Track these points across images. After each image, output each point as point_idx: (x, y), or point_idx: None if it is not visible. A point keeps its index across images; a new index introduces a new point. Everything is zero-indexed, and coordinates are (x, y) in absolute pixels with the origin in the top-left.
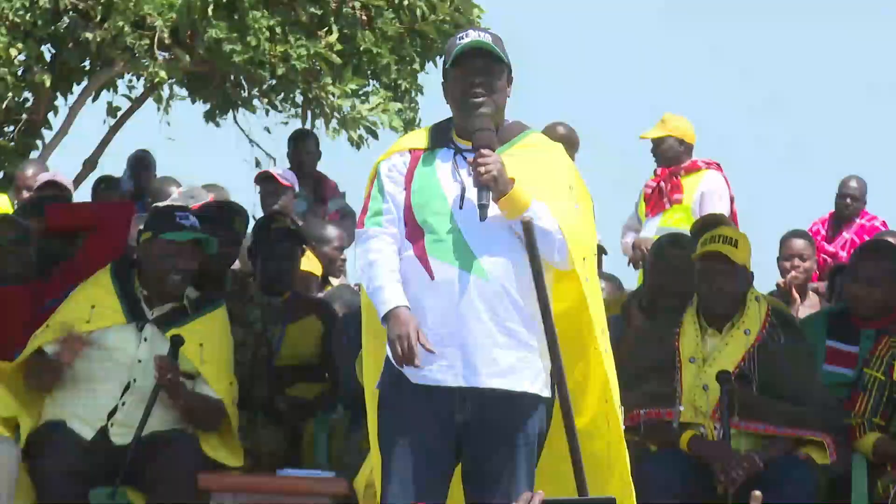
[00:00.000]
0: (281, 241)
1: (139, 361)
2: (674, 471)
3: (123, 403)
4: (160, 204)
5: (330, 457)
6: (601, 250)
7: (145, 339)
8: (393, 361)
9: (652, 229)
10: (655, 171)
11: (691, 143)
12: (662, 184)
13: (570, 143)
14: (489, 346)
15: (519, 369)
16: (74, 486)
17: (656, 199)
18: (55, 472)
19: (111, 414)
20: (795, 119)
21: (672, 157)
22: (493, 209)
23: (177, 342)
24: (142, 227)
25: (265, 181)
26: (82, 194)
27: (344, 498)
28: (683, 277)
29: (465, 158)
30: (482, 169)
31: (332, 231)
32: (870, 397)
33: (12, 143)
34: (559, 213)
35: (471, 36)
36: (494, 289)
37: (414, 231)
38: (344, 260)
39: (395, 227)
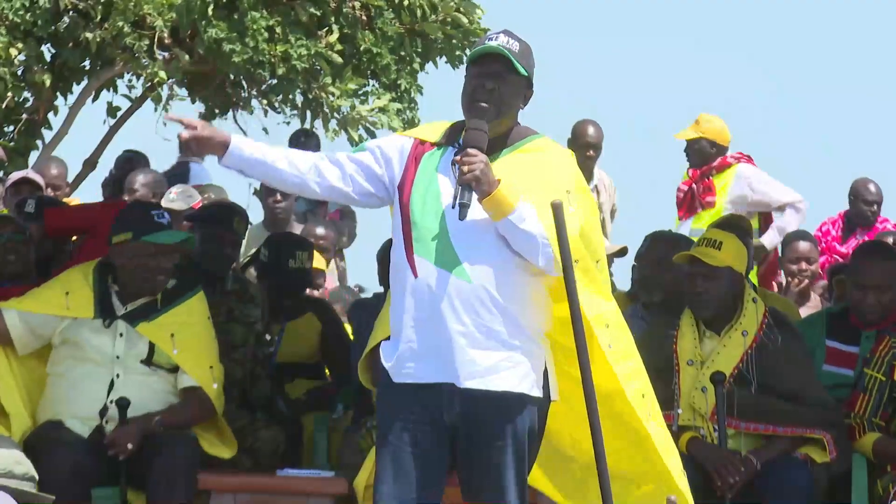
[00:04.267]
0: (296, 281)
1: (118, 358)
2: None
3: (112, 401)
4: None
5: (330, 457)
6: (623, 252)
7: (121, 335)
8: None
9: (685, 232)
10: (688, 171)
11: (724, 144)
12: (694, 186)
13: (590, 142)
14: (466, 347)
15: (501, 369)
16: (77, 484)
17: (689, 203)
18: (58, 470)
19: (103, 412)
20: (807, 117)
21: (703, 158)
22: (478, 210)
23: (123, 405)
24: (116, 225)
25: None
26: (83, 194)
27: (344, 497)
28: (667, 272)
29: None
30: (465, 168)
31: (320, 230)
32: (870, 398)
33: (12, 143)
34: (546, 217)
35: (499, 39)
36: (476, 291)
37: (406, 225)
38: (328, 260)
39: (345, 164)
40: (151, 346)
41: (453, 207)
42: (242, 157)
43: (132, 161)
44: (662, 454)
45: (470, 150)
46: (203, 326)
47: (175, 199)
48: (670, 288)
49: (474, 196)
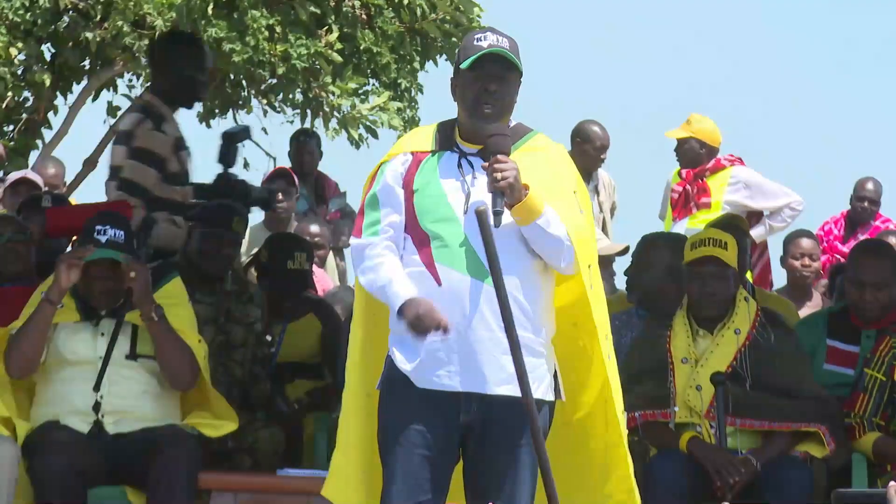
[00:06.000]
0: (294, 283)
1: (100, 358)
2: (676, 471)
3: (102, 397)
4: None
5: (330, 457)
6: (625, 251)
7: (103, 334)
8: (415, 338)
9: (680, 232)
10: (680, 172)
11: (714, 145)
12: (688, 187)
13: (604, 144)
14: (497, 353)
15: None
16: (73, 483)
17: (683, 204)
18: (53, 469)
19: (96, 408)
20: (811, 116)
21: (692, 158)
22: (506, 215)
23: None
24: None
25: (279, 178)
26: (83, 194)
27: None
28: (661, 274)
29: (469, 163)
30: (498, 175)
31: (314, 227)
32: (870, 397)
33: (12, 143)
34: (566, 219)
35: (489, 39)
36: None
37: (419, 237)
38: (323, 258)
39: (393, 235)
40: (133, 340)
41: (493, 216)
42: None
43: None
44: (630, 469)
45: (500, 157)
46: (185, 307)
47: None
48: (649, 288)
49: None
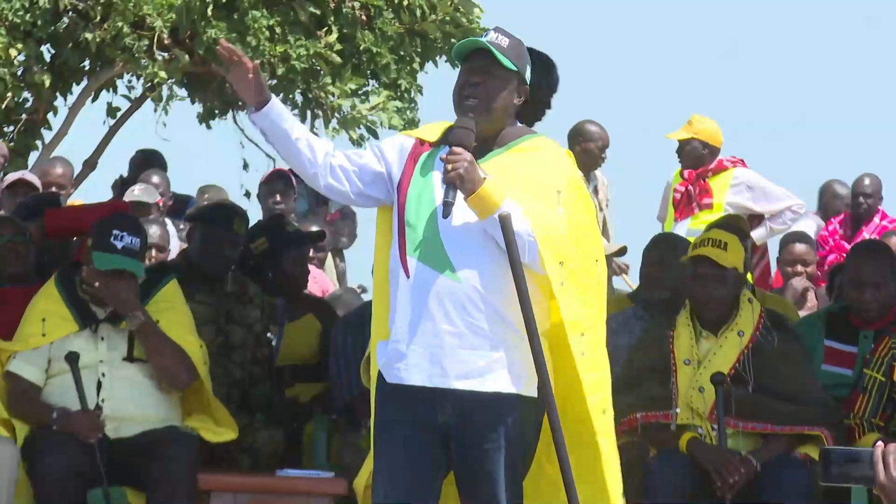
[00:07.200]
0: (296, 244)
1: (101, 362)
2: (676, 472)
3: (103, 400)
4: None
5: (330, 457)
6: (622, 251)
7: (102, 339)
8: None
9: (682, 232)
10: (682, 173)
11: (716, 146)
12: (691, 188)
13: (605, 143)
14: (456, 347)
15: (492, 370)
16: (73, 485)
17: (685, 204)
18: (53, 471)
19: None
20: (811, 115)
21: (695, 159)
22: (466, 211)
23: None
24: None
25: (277, 179)
26: (82, 195)
27: (344, 498)
28: (671, 272)
29: None
30: (449, 166)
31: (314, 228)
32: (869, 398)
33: (12, 144)
34: (535, 216)
35: (488, 36)
36: (466, 291)
37: (401, 228)
38: (322, 258)
39: (346, 166)
40: (131, 342)
41: (443, 207)
42: (274, 121)
43: (145, 161)
44: (606, 474)
45: (455, 149)
46: (182, 309)
47: (139, 194)
48: (671, 287)
49: (460, 195)
